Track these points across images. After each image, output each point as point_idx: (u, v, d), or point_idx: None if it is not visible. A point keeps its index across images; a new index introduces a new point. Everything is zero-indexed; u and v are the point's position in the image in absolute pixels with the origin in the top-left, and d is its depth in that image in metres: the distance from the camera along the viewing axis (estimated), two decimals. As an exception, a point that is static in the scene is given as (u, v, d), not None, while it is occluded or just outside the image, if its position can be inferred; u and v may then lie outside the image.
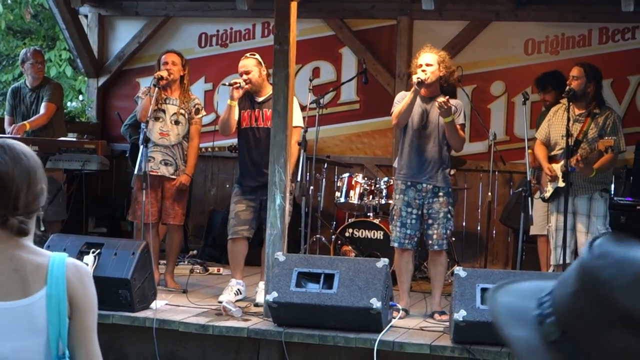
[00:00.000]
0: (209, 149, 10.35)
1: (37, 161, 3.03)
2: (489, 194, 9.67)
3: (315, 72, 10.65)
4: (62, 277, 2.93)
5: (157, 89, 8.31)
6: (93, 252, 7.33)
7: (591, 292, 1.39)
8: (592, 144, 7.76)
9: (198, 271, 9.72)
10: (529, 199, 7.93)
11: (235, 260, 8.36)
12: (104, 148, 8.98)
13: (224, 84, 8.44)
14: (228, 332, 7.15)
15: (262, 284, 7.96)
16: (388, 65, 10.69)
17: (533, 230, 8.54)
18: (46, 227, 9.49)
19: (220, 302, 7.71)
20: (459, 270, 6.92)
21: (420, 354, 6.76)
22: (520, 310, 1.51)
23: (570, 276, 1.44)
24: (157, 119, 8.51)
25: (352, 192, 9.39)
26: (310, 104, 8.54)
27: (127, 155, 9.95)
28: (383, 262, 7.06)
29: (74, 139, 9.87)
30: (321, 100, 8.89)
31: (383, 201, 9.38)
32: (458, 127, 7.67)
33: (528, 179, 7.92)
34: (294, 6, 7.60)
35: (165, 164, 8.53)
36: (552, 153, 8.06)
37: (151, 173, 8.40)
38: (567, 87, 7.87)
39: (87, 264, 7.06)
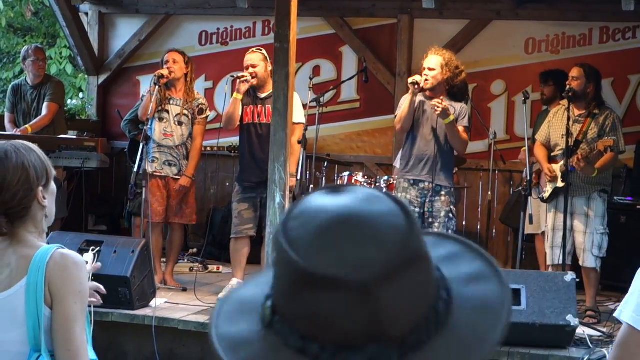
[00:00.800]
0: (210, 148, 10.32)
1: (25, 163, 2.97)
2: (489, 193, 9.66)
3: (316, 71, 10.65)
4: (42, 265, 2.89)
5: (157, 87, 8.30)
6: (93, 250, 7.29)
7: (281, 260, 1.35)
8: (591, 144, 7.75)
9: (198, 269, 9.72)
10: (529, 198, 7.95)
11: (237, 259, 8.37)
12: (104, 146, 8.98)
13: (232, 76, 8.41)
14: (227, 331, 7.14)
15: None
16: (388, 64, 10.69)
17: (530, 229, 8.54)
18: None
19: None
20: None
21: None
22: (246, 308, 1.44)
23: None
24: (160, 119, 8.50)
25: (352, 191, 9.37)
26: (310, 102, 8.54)
27: (125, 150, 9.95)
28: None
29: (74, 137, 9.88)
30: (321, 99, 8.88)
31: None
32: (461, 129, 7.70)
33: (528, 178, 7.92)
34: (294, 4, 7.60)
35: (169, 165, 8.52)
36: (553, 154, 8.06)
37: (155, 174, 8.41)
38: (567, 87, 7.86)
39: (86, 261, 7.05)
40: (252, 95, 8.33)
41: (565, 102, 7.89)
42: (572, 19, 10.12)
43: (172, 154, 8.52)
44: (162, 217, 8.50)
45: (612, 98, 9.65)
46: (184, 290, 8.41)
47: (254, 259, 9.30)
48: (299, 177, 7.98)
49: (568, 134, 7.66)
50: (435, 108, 7.48)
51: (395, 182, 8.59)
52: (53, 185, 3.07)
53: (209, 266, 9.86)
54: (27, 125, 9.29)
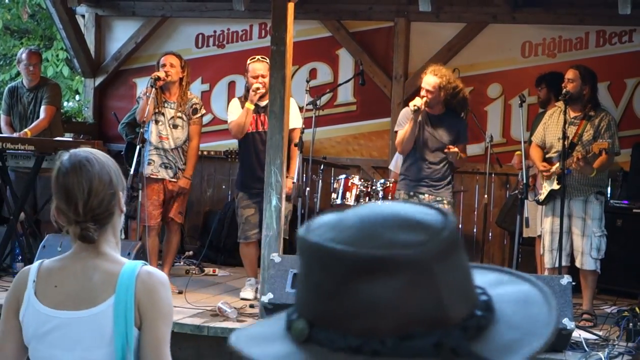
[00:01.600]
0: (207, 152, 10.32)
1: (106, 168, 2.92)
2: (485, 196, 9.67)
3: (312, 74, 10.64)
4: (131, 285, 2.82)
5: (154, 89, 8.30)
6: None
7: (319, 260, 1.29)
8: (587, 146, 7.75)
9: (194, 272, 9.72)
10: (525, 201, 7.96)
11: (249, 261, 8.56)
12: (101, 148, 8.89)
13: (250, 89, 8.38)
14: (223, 333, 7.14)
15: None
16: (385, 67, 10.69)
17: (528, 233, 8.55)
18: (42, 227, 9.49)
19: (244, 299, 8.13)
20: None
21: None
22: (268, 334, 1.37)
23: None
24: (157, 122, 8.51)
25: (348, 194, 9.37)
26: (306, 105, 8.54)
27: (122, 153, 9.95)
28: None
29: (71, 139, 9.85)
30: (318, 102, 8.88)
31: (379, 203, 9.37)
32: (462, 146, 7.98)
33: (524, 181, 7.92)
34: (291, 7, 7.60)
35: (165, 167, 8.53)
36: (548, 155, 8.06)
37: (152, 176, 8.41)
38: (564, 90, 7.87)
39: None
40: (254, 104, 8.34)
41: (561, 103, 7.90)
42: (568, 23, 10.13)
43: (167, 157, 8.53)
44: (157, 220, 8.50)
45: (609, 102, 9.65)
46: (180, 292, 8.39)
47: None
48: (295, 180, 7.98)
49: (564, 136, 7.66)
50: (450, 157, 7.83)
51: (393, 187, 8.76)
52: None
53: (205, 269, 9.85)
54: (26, 130, 9.28)
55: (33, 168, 8.52)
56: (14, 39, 15.66)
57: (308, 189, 9.56)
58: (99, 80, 11.81)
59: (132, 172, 8.12)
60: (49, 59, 14.41)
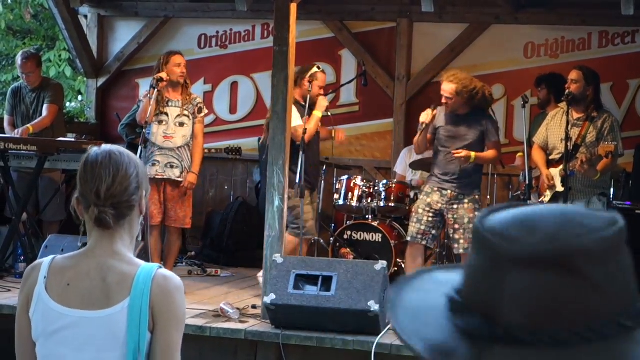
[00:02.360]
0: (207, 150, 10.30)
1: (134, 162, 2.92)
2: (488, 197, 9.66)
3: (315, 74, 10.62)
4: (147, 288, 2.80)
5: (156, 90, 8.30)
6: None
7: (481, 247, 1.31)
8: (590, 148, 7.74)
9: (196, 273, 9.72)
10: (527, 203, 7.96)
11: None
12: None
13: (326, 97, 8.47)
14: (225, 334, 7.14)
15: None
16: (388, 67, 10.69)
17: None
18: (44, 228, 9.49)
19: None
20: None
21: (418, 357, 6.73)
22: (427, 310, 1.37)
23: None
24: (160, 122, 8.49)
25: (350, 195, 9.38)
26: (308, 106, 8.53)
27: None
28: (381, 264, 7.05)
29: (73, 140, 9.85)
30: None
31: (382, 204, 9.37)
32: (492, 144, 8.04)
33: (527, 182, 7.91)
34: (293, 8, 7.60)
35: (171, 167, 8.51)
36: (551, 157, 8.05)
37: (157, 177, 8.41)
38: (567, 91, 7.85)
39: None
40: (302, 107, 8.37)
41: (564, 105, 7.88)
42: (571, 24, 10.12)
43: (174, 156, 8.51)
44: (158, 220, 8.49)
45: (611, 102, 9.64)
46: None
47: (254, 262, 9.33)
48: (297, 181, 7.98)
49: (567, 138, 7.65)
50: (460, 161, 7.89)
51: (396, 188, 8.88)
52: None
53: (208, 269, 9.85)
54: (28, 125, 9.28)
55: (35, 168, 8.52)
56: (17, 39, 15.66)
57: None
58: (101, 81, 11.82)
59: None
60: (51, 59, 14.41)
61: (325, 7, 10.82)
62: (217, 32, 11.42)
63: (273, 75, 7.69)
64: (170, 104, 8.54)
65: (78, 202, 2.91)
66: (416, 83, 10.54)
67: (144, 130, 8.31)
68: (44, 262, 2.92)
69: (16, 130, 9.29)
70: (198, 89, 10.96)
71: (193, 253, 10.55)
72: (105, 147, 2.94)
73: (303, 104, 8.32)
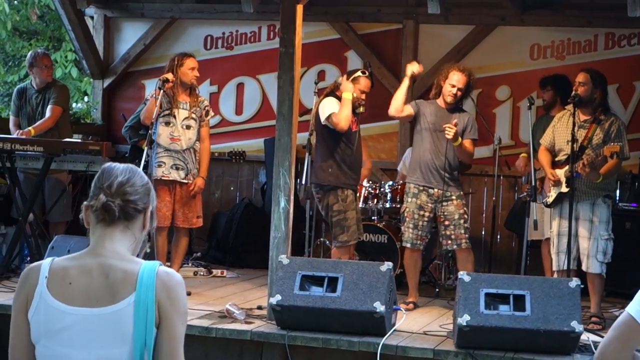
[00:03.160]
0: (216, 153, 10.31)
1: (148, 181, 3.10)
2: (494, 198, 9.66)
3: (321, 75, 10.65)
4: (152, 284, 2.88)
5: (162, 91, 8.30)
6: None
7: None
8: (596, 150, 7.73)
9: (202, 273, 9.72)
10: (533, 204, 7.97)
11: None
12: (109, 149, 8.97)
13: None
14: (231, 335, 7.14)
15: None
16: (393, 68, 10.69)
17: (534, 236, 8.55)
18: (51, 229, 9.50)
19: None
20: (463, 275, 6.91)
21: (423, 358, 6.74)
22: None
23: None
24: (167, 123, 8.49)
25: (356, 196, 9.38)
26: (314, 105, 8.53)
27: (126, 155, 9.95)
28: (387, 265, 7.04)
29: (79, 141, 9.86)
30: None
31: (387, 205, 9.38)
32: (468, 143, 8.24)
33: (532, 183, 7.91)
34: (299, 9, 7.60)
35: (177, 169, 8.51)
36: (557, 159, 8.04)
37: (163, 178, 8.41)
38: (573, 93, 7.85)
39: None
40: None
41: (570, 107, 7.88)
42: (577, 25, 10.12)
43: (179, 158, 8.51)
44: (169, 221, 8.49)
45: (618, 104, 9.64)
46: (188, 294, 8.40)
47: (260, 263, 9.32)
48: (304, 182, 7.99)
49: (573, 139, 7.64)
50: (447, 132, 8.04)
51: (402, 189, 8.90)
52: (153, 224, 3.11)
53: (213, 270, 9.85)
54: (30, 127, 9.29)
55: (42, 169, 8.53)
56: (23, 40, 15.69)
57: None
58: (107, 82, 11.84)
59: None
60: (57, 60, 14.44)
61: (331, 9, 10.83)
62: (223, 33, 11.43)
63: (279, 76, 7.69)
64: (179, 105, 8.53)
65: (87, 208, 2.98)
66: (422, 84, 10.53)
67: (150, 132, 8.30)
68: (43, 263, 2.95)
69: (18, 132, 9.30)
70: (204, 90, 10.98)
71: (199, 254, 10.55)
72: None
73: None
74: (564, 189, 7.78)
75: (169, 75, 8.38)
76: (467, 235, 8.27)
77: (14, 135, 9.22)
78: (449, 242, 8.25)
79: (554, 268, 7.92)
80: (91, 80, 12.31)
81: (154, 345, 2.86)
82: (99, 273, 2.89)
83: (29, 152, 8.53)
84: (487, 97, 10.41)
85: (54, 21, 15.59)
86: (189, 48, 10.86)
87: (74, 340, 2.85)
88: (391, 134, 10.75)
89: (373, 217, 9.49)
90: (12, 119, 9.76)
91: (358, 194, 8.99)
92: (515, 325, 6.55)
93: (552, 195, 7.96)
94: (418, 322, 7.60)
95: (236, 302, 7.77)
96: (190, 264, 10.06)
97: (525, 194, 8.34)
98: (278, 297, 6.96)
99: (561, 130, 7.99)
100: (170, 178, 8.47)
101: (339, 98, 8.33)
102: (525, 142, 9.72)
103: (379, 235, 9.26)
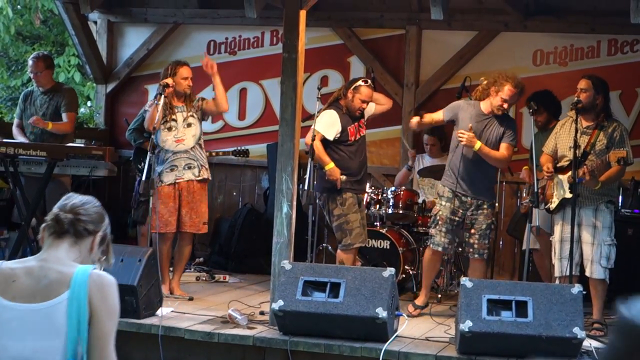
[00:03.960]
0: (215, 154, 10.30)
1: (102, 209, 3.48)
2: (497, 204, 9.66)
3: (324, 81, 10.64)
4: (84, 283, 3.17)
5: (163, 96, 8.32)
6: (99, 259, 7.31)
7: (622, 331, 1.42)
8: (599, 156, 7.73)
9: (204, 279, 9.72)
10: (535, 210, 7.98)
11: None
12: (112, 154, 8.97)
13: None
14: (234, 340, 7.15)
15: None
16: (396, 74, 10.70)
17: (531, 244, 8.54)
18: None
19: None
20: (465, 281, 6.91)
21: (425, 364, 6.74)
22: None
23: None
24: (170, 129, 8.53)
25: (359, 201, 9.38)
26: (318, 112, 8.55)
27: (131, 159, 9.96)
28: (389, 271, 7.05)
29: (82, 145, 9.88)
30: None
31: (390, 211, 9.38)
32: (504, 146, 8.14)
33: (535, 190, 7.91)
34: (302, 15, 7.61)
35: (189, 168, 8.56)
36: (559, 165, 8.04)
37: (177, 180, 8.46)
38: (575, 99, 7.86)
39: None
40: (349, 115, 8.51)
41: (572, 113, 7.88)
42: (580, 31, 10.12)
43: (189, 157, 8.56)
44: (173, 227, 8.50)
45: (620, 110, 9.64)
46: (191, 299, 8.41)
47: (262, 268, 9.32)
48: (306, 188, 7.99)
49: (576, 146, 7.64)
50: (459, 137, 7.97)
51: (404, 195, 8.92)
52: (106, 248, 3.51)
53: (216, 275, 9.86)
54: (49, 121, 9.34)
55: (45, 174, 8.54)
56: (26, 44, 15.72)
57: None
58: (110, 87, 11.85)
59: (143, 177, 8.13)
60: (60, 64, 14.47)
61: (335, 14, 10.84)
62: (226, 38, 11.44)
63: (282, 81, 7.70)
64: (176, 109, 8.59)
65: (43, 229, 3.37)
66: (425, 90, 10.54)
67: (152, 137, 8.31)
68: None
69: (32, 118, 9.34)
70: (207, 95, 10.94)
71: (201, 259, 10.56)
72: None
73: (345, 112, 8.49)
74: (567, 195, 7.78)
75: (169, 80, 8.42)
76: (488, 246, 8.27)
77: (18, 138, 9.24)
78: (471, 250, 8.23)
79: (557, 274, 7.91)
80: (94, 85, 12.33)
81: (86, 340, 3.16)
82: (39, 274, 3.21)
83: (32, 157, 8.54)
84: (489, 103, 10.40)
85: (57, 26, 15.62)
86: (192, 53, 10.88)
87: (11, 333, 3.15)
88: (393, 140, 10.75)
89: (375, 223, 9.49)
90: (15, 121, 9.80)
91: (364, 198, 9.05)
92: (517, 331, 6.55)
93: (554, 201, 7.96)
94: (420, 328, 7.60)
95: (238, 308, 7.78)
96: (192, 269, 10.07)
97: (526, 202, 8.35)
98: (280, 302, 6.97)
99: (563, 136, 8.00)
100: (185, 178, 8.51)
101: (341, 108, 8.40)
102: (527, 148, 9.71)
103: (382, 240, 9.26)
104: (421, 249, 9.29)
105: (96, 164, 8.76)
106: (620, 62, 10.08)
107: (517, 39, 10.39)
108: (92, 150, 8.74)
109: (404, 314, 7.49)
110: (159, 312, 7.53)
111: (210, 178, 8.77)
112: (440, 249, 8.24)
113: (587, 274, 7.79)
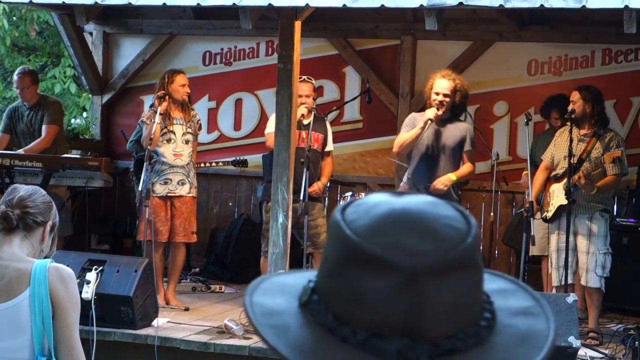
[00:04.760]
0: (214, 164, 10.32)
1: (50, 199, 3.47)
2: (492, 214, 9.68)
3: (319, 91, 10.66)
4: (44, 278, 3.20)
5: (158, 114, 8.31)
6: (96, 269, 7.33)
7: (334, 238, 1.35)
8: (595, 163, 7.78)
9: (200, 289, 9.73)
10: (531, 219, 7.98)
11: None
12: (108, 165, 9.01)
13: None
14: (230, 351, 7.15)
15: None
16: (391, 84, 10.72)
17: (535, 251, 8.56)
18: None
19: None
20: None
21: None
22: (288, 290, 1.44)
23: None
24: (168, 140, 8.54)
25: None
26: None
27: (131, 170, 9.98)
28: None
29: (78, 156, 9.88)
30: (325, 119, 8.91)
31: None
32: (465, 155, 7.99)
33: (530, 199, 7.93)
34: (298, 25, 7.64)
35: (182, 184, 8.59)
36: (554, 173, 8.08)
37: (169, 194, 8.47)
38: (569, 110, 7.92)
39: (89, 281, 7.07)
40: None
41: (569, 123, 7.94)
42: (574, 41, 10.15)
43: (183, 173, 8.59)
44: (165, 237, 8.52)
45: (615, 120, 9.66)
46: (187, 309, 8.41)
47: (255, 278, 9.28)
48: (301, 198, 7.99)
49: (570, 154, 7.68)
50: (440, 188, 7.78)
51: None
52: (53, 237, 3.48)
53: (212, 286, 9.86)
54: (20, 150, 9.25)
55: (41, 185, 8.54)
56: (22, 56, 15.72)
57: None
58: (106, 98, 11.85)
59: (140, 189, 8.14)
60: (56, 76, 14.46)
61: (330, 25, 10.85)
62: (222, 49, 11.45)
63: (277, 92, 7.73)
64: (175, 121, 8.59)
65: None
66: (420, 100, 10.53)
67: (148, 148, 8.33)
68: None
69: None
70: (202, 105, 11.01)
71: (197, 269, 10.56)
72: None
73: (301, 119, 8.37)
74: (564, 201, 7.81)
75: (162, 93, 8.42)
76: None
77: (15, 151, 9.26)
78: None
79: (554, 283, 7.93)
80: (90, 96, 12.33)
81: (51, 333, 3.19)
82: (0, 273, 3.26)
83: (28, 168, 8.56)
84: (484, 113, 10.43)
85: (53, 37, 15.62)
86: (188, 64, 10.90)
87: None
88: (389, 150, 10.72)
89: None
90: (0, 135, 9.72)
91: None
92: (513, 340, 6.55)
93: (551, 210, 7.99)
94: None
95: (234, 318, 7.77)
96: (188, 280, 10.06)
97: (522, 209, 8.36)
98: (276, 312, 6.96)
99: (561, 144, 8.05)
100: (176, 194, 8.52)
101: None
102: (522, 158, 9.74)
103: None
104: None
105: (92, 175, 8.79)
106: (614, 71, 10.11)
107: (511, 49, 10.41)
108: (88, 161, 8.78)
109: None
110: (155, 322, 7.53)
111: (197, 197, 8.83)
112: None
113: (582, 282, 7.82)
